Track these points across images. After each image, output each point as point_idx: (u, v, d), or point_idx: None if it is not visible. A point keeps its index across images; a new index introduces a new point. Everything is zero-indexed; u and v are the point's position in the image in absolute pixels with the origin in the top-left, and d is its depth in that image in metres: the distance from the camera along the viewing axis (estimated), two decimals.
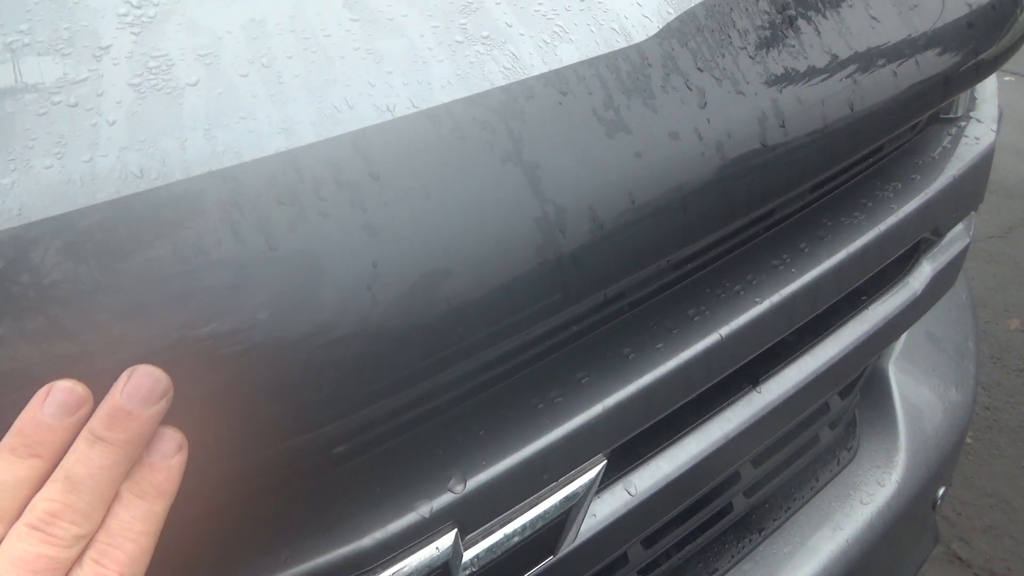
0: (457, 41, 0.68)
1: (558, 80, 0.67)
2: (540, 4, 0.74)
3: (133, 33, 0.60)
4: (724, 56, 0.75)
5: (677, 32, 0.74)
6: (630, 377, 0.78)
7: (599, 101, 0.67)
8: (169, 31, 0.60)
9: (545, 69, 0.67)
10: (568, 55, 0.69)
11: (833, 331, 1.03)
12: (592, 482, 0.76)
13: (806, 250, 0.93)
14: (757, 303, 0.86)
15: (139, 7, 0.62)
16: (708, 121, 0.71)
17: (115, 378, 0.49)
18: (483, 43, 0.69)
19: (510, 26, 0.71)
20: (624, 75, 0.69)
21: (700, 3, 0.77)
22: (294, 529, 0.62)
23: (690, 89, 0.72)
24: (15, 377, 0.48)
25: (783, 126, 0.74)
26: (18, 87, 0.57)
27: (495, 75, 0.66)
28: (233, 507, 0.60)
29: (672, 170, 0.67)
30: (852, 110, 0.80)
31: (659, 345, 0.80)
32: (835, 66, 0.80)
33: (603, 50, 0.70)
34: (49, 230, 0.50)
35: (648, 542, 1.02)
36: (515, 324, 0.61)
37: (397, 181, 0.58)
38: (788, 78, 0.77)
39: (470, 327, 0.59)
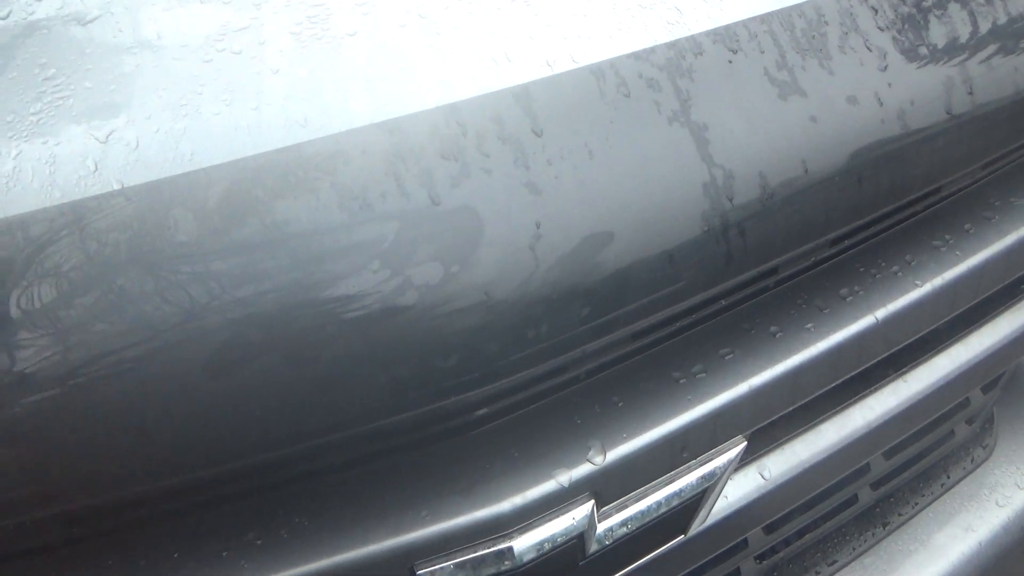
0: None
1: (728, 37, 0.62)
2: None
3: None
4: (908, 15, 0.68)
5: None
6: (777, 357, 0.73)
7: (771, 61, 0.63)
8: None
9: (712, 25, 0.63)
10: (737, 10, 0.65)
11: (990, 319, 0.95)
12: (731, 463, 0.73)
13: (971, 231, 0.85)
14: (917, 286, 0.79)
15: None
16: (889, 85, 0.65)
17: None
18: None
19: None
20: (799, 33, 0.64)
21: None
22: (434, 488, 0.62)
23: (870, 50, 0.66)
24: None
25: (971, 93, 0.67)
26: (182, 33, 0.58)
27: (658, 30, 0.62)
28: (377, 462, 0.61)
29: (849, 137, 0.62)
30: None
31: (809, 325, 0.75)
32: None
33: (775, 5, 0.65)
34: (221, 176, 0.50)
35: (769, 528, 0.98)
36: (673, 293, 0.59)
37: (560, 139, 0.56)
38: (980, 41, 0.69)
39: (629, 294, 0.56)
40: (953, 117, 0.67)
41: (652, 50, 0.60)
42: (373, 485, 0.61)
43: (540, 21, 0.60)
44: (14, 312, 0.45)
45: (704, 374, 0.72)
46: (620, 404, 0.69)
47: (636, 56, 0.59)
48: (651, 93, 0.59)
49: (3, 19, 0.56)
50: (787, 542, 1.06)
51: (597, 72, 0.58)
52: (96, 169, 0.50)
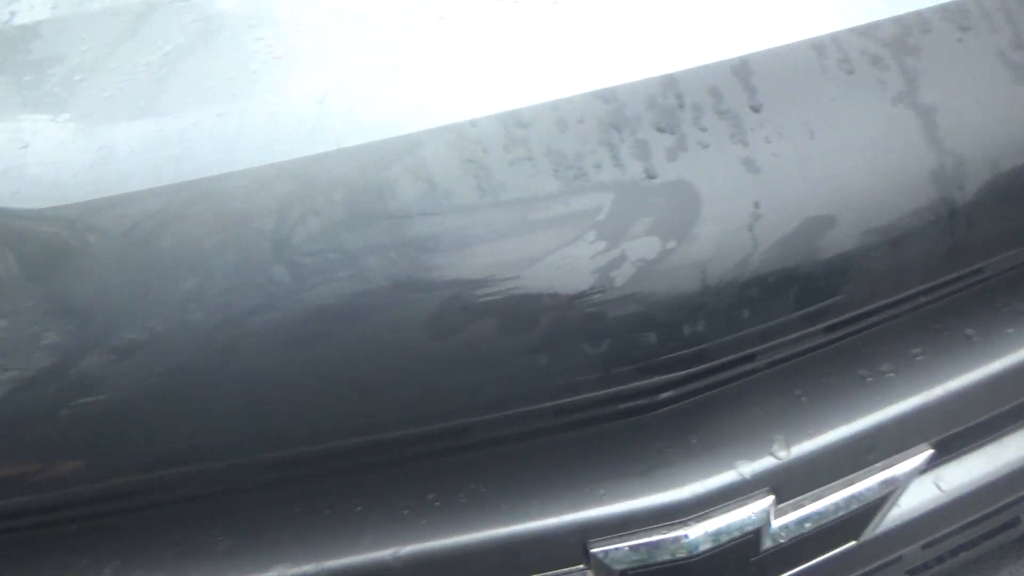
0: None
1: (958, 13, 0.58)
2: None
3: None
4: None
5: None
6: (972, 362, 0.69)
7: (1006, 40, 0.58)
8: None
9: (940, 0, 0.59)
10: None
11: None
12: (916, 470, 0.69)
13: None
14: None
15: None
16: None
17: None
18: None
19: None
20: None
21: None
22: (614, 468, 0.61)
23: None
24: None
25: None
26: None
27: (882, 4, 0.58)
28: (560, 436, 0.60)
29: None
30: None
31: (1009, 330, 0.70)
32: None
33: None
34: (434, 140, 0.50)
35: (928, 544, 0.93)
36: (889, 285, 0.55)
37: (779, 116, 0.53)
38: None
39: (846, 282, 0.53)
40: None
41: (876, 25, 0.56)
42: (553, 459, 0.60)
43: None
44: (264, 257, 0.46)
45: (893, 374, 0.68)
46: (803, 399, 0.66)
47: (859, 31, 0.56)
48: (876, 71, 0.55)
49: None
50: (940, 559, 1.00)
51: (818, 46, 0.55)
52: (313, 129, 0.51)
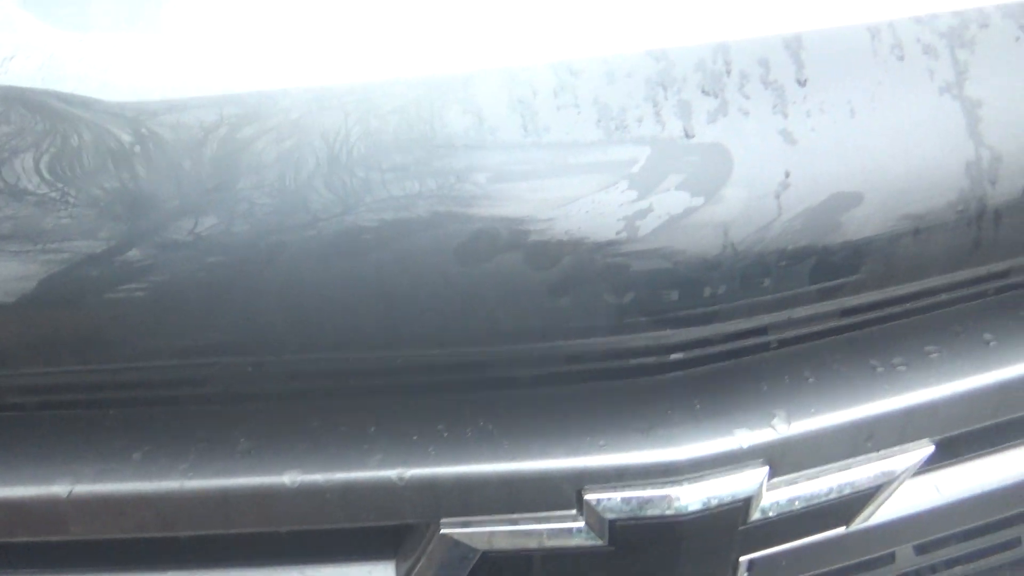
0: None
1: (1020, 12, 0.58)
2: None
3: None
4: None
5: None
6: (986, 365, 0.69)
7: None
8: None
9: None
10: None
11: None
12: (914, 466, 0.70)
13: None
14: None
15: None
16: None
17: None
18: None
19: None
20: None
21: None
22: (617, 421, 0.63)
23: None
24: None
25: None
26: None
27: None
28: (568, 385, 0.62)
29: None
30: None
31: None
32: None
33: None
34: (491, 80, 0.52)
35: (922, 547, 0.94)
36: (910, 270, 0.56)
37: (823, 92, 0.54)
38: None
39: (865, 262, 0.54)
40: None
41: (935, 15, 0.57)
42: (561, 407, 0.62)
43: None
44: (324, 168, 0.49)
45: (904, 367, 0.68)
46: (811, 380, 0.67)
47: (917, 20, 0.56)
48: (927, 59, 0.56)
49: None
50: (934, 568, 1.00)
51: (874, 30, 0.55)
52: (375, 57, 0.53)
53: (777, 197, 0.52)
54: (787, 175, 0.52)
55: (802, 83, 0.54)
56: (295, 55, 0.52)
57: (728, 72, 0.53)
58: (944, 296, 0.68)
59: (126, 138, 0.50)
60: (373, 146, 0.50)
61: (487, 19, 0.54)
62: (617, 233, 0.50)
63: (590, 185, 0.50)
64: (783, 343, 0.69)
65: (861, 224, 0.53)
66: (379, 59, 0.52)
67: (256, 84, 0.51)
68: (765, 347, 0.68)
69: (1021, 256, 0.60)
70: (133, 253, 0.48)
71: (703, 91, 0.53)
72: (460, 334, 0.53)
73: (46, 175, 0.48)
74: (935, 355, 0.69)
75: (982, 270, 0.59)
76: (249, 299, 0.50)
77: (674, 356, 0.63)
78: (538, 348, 0.56)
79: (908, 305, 0.68)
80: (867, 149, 0.53)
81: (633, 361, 0.62)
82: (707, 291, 0.53)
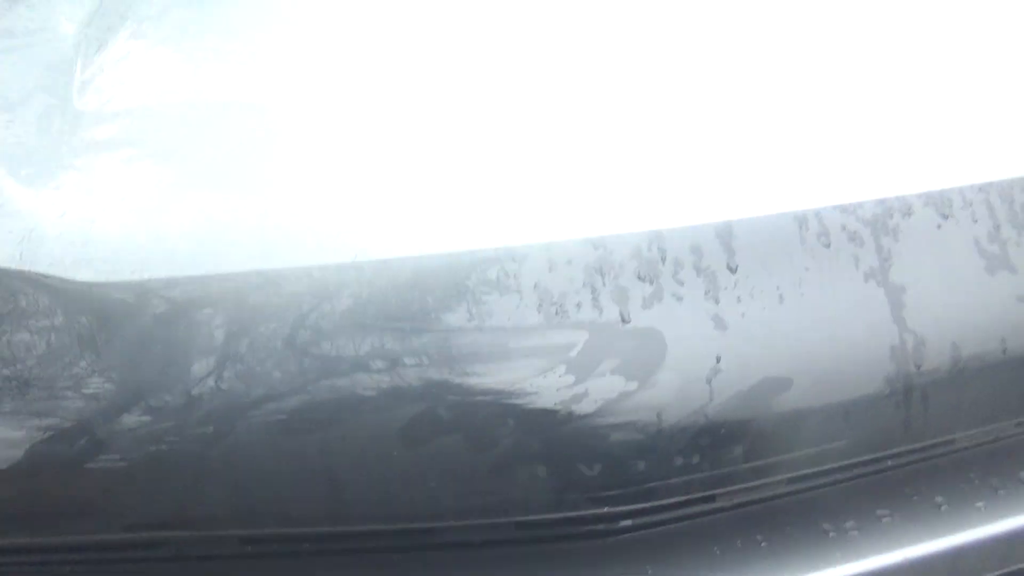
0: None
1: (941, 201, 0.62)
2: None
3: None
4: None
5: None
6: (939, 531, 0.70)
7: (984, 231, 0.62)
8: None
9: (926, 188, 0.63)
10: (956, 176, 0.64)
11: None
12: None
13: None
14: None
15: None
16: None
17: None
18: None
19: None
20: (1019, 207, 0.63)
21: None
22: None
23: None
24: None
25: None
26: None
27: (869, 185, 0.63)
28: (520, 548, 0.63)
29: None
30: None
31: (979, 504, 0.71)
32: None
33: (998, 176, 0.64)
34: (438, 265, 0.56)
35: None
36: (842, 450, 0.58)
37: (753, 278, 0.57)
38: None
39: (797, 443, 0.56)
40: None
41: (860, 204, 0.61)
42: (512, 567, 0.63)
43: (748, 163, 0.63)
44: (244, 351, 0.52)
45: (856, 532, 0.69)
46: (763, 544, 0.68)
47: (842, 208, 0.60)
48: (852, 247, 0.59)
49: None
50: None
51: (801, 219, 0.59)
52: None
53: (709, 382, 0.54)
54: (718, 360, 0.55)
55: (733, 270, 0.57)
56: (245, 239, 0.56)
57: (663, 259, 0.57)
58: (890, 462, 0.70)
59: (106, 314, 0.54)
60: (322, 329, 0.53)
61: (432, 205, 0.59)
62: (555, 416, 0.53)
63: (530, 369, 0.53)
64: (735, 506, 0.69)
65: (792, 407, 0.55)
66: (331, 242, 0.56)
67: (208, 266, 0.54)
68: (718, 511, 0.69)
69: (955, 433, 0.62)
70: (87, 432, 0.51)
71: (639, 277, 0.56)
72: (405, 510, 0.54)
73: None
74: (888, 519, 0.70)
75: (915, 444, 0.61)
76: (198, 474, 0.52)
77: (623, 523, 0.64)
78: (482, 522, 0.57)
79: (855, 471, 0.69)
80: (795, 334, 0.56)
81: (582, 527, 0.63)
82: (642, 470, 0.54)
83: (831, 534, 0.69)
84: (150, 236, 0.57)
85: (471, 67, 0.70)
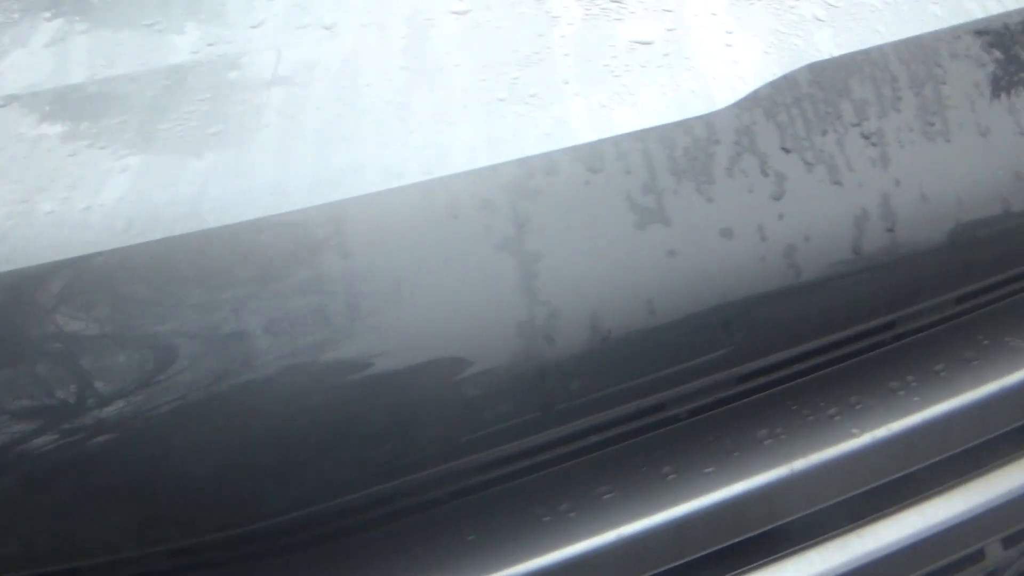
0: (499, 99, 0.61)
1: (592, 154, 0.57)
2: (613, 57, 0.65)
3: None
4: (825, 134, 0.60)
5: (766, 100, 0.60)
6: (665, 502, 0.65)
7: (638, 183, 0.56)
8: None
9: (576, 141, 0.58)
10: (625, 122, 0.59)
11: (984, 473, 0.81)
12: None
13: (943, 374, 0.73)
14: (854, 435, 0.69)
15: None
16: (780, 217, 0.57)
17: None
18: (527, 103, 0.61)
19: (567, 83, 0.62)
20: (680, 152, 0.58)
21: (807, 65, 0.62)
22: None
23: (765, 174, 0.58)
24: None
25: (891, 230, 0.58)
26: None
27: (531, 142, 0.57)
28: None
29: (714, 276, 0.55)
30: (1008, 211, 0.61)
31: (709, 469, 0.67)
32: (991, 151, 0.61)
33: (670, 118, 0.59)
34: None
35: None
36: (475, 442, 0.53)
37: (368, 267, 0.52)
38: (915, 165, 0.60)
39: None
40: (861, 258, 0.57)
41: (496, 168, 0.55)
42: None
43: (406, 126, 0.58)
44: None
45: (574, 514, 0.65)
46: (472, 539, 0.64)
47: (476, 174, 0.55)
48: (484, 215, 0.54)
49: None
50: None
51: (426, 191, 0.54)
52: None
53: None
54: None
55: (346, 256, 0.52)
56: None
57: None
58: (596, 437, 0.65)
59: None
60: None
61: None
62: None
63: None
64: (428, 504, 0.65)
65: (416, 395, 0.51)
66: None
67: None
68: (419, 508, 0.64)
69: (613, 409, 0.57)
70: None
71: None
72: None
73: None
74: (609, 496, 0.65)
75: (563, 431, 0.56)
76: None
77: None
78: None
79: (555, 452, 0.65)
80: (417, 321, 0.51)
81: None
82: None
83: (545, 519, 0.65)
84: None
85: None
